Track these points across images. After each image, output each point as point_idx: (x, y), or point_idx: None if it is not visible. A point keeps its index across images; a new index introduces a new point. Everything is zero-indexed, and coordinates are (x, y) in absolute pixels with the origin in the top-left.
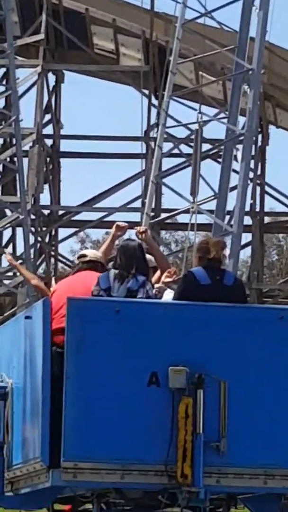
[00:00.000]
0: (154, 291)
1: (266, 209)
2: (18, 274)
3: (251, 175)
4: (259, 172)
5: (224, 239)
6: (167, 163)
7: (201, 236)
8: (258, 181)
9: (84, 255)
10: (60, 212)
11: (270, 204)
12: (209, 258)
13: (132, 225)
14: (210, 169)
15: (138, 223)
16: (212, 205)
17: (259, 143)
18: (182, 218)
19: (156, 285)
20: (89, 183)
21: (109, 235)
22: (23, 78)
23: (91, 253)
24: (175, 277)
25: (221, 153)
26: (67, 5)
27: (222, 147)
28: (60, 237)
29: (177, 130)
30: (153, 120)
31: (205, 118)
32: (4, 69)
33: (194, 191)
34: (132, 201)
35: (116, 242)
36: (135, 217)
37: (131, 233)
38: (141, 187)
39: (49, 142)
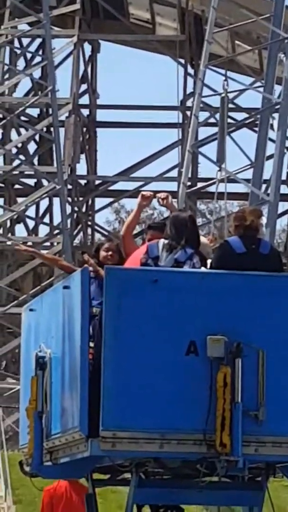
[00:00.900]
0: None
1: None
2: (55, 243)
3: (287, 143)
4: None
5: (261, 208)
6: (204, 133)
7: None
8: None
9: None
10: (97, 182)
11: None
12: (246, 226)
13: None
14: (247, 138)
15: (174, 193)
16: (249, 174)
17: None
18: (219, 188)
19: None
20: (125, 153)
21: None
22: (59, 48)
23: None
24: (213, 244)
25: (257, 122)
26: None
27: (258, 116)
28: (96, 207)
29: (213, 99)
30: (189, 90)
31: (241, 87)
32: (40, 39)
33: (222, 159)
34: (168, 170)
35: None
36: (171, 186)
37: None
38: (178, 156)
39: (85, 112)
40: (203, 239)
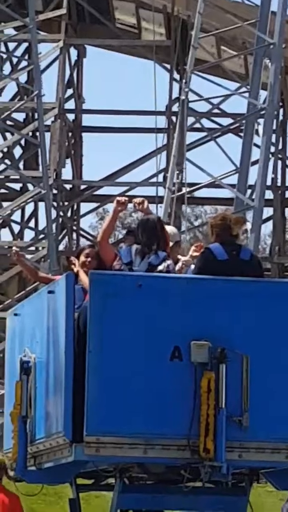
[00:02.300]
0: (181, 264)
1: None
2: (40, 248)
3: (272, 149)
4: (280, 146)
5: (245, 213)
6: (189, 138)
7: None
8: (280, 155)
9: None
10: (82, 187)
11: None
12: (230, 234)
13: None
14: (232, 144)
15: (160, 198)
16: (234, 179)
17: (281, 117)
18: (204, 193)
19: (183, 259)
20: (110, 158)
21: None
22: (45, 53)
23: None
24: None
25: (242, 128)
26: None
27: (244, 121)
28: (82, 211)
29: (199, 104)
30: (174, 95)
31: (226, 92)
32: (26, 44)
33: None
34: (153, 175)
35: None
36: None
37: (152, 207)
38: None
39: (71, 116)
40: (169, 228)
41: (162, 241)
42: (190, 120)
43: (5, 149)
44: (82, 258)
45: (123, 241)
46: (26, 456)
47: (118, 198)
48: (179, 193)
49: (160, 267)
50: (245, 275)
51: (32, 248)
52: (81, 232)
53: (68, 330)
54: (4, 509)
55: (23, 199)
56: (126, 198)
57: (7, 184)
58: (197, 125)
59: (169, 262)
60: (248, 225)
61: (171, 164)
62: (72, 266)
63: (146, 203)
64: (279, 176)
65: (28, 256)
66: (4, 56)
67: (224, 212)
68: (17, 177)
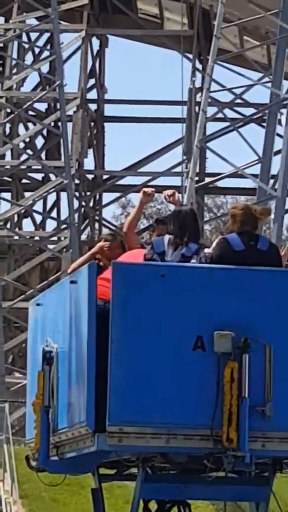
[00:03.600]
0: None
1: None
2: (62, 238)
3: None
4: None
5: (267, 203)
6: (212, 128)
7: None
8: None
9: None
10: (104, 177)
11: None
12: (250, 224)
13: (161, 189)
14: (255, 134)
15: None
16: (257, 169)
17: None
18: (226, 183)
19: (207, 251)
20: (133, 148)
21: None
22: (67, 43)
23: None
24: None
25: (265, 117)
26: None
27: (266, 111)
28: (104, 201)
29: (222, 94)
30: (197, 85)
31: (249, 82)
32: (48, 34)
33: (189, 151)
34: (176, 165)
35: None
36: (179, 181)
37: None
38: (182, 151)
39: (93, 106)
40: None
41: (194, 233)
42: (213, 110)
43: (27, 139)
44: (101, 243)
45: (149, 231)
46: (48, 446)
47: (144, 189)
48: (201, 183)
49: (193, 261)
50: (263, 265)
51: (54, 238)
52: (103, 222)
53: (90, 320)
54: None
55: (45, 189)
56: (153, 189)
57: (29, 174)
58: (220, 115)
59: (202, 254)
60: (271, 215)
61: (193, 154)
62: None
63: (176, 194)
64: None
65: (50, 246)
66: (26, 46)
67: (245, 203)
68: (39, 167)
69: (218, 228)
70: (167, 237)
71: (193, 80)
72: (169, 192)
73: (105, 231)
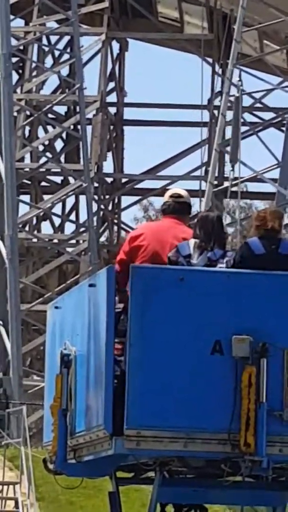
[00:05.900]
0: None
1: None
2: (81, 241)
3: None
4: None
5: (286, 208)
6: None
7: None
8: None
9: (179, 195)
10: (123, 180)
11: None
12: (266, 228)
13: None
14: (274, 138)
15: (202, 191)
16: (276, 173)
17: None
18: (248, 187)
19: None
20: (152, 151)
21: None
22: (87, 46)
23: (186, 195)
24: None
25: (284, 122)
26: None
27: (286, 115)
28: (123, 205)
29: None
30: (216, 89)
31: (269, 86)
32: (68, 37)
33: (235, 158)
34: (195, 169)
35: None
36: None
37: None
38: (202, 155)
39: (112, 110)
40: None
41: (219, 239)
42: (232, 114)
43: (47, 142)
44: None
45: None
46: (66, 449)
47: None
48: (221, 187)
49: (220, 265)
50: (284, 269)
51: (73, 241)
52: (122, 225)
53: (109, 323)
54: None
55: (64, 192)
56: None
57: (48, 177)
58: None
59: (227, 258)
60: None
61: (212, 158)
62: None
63: None
64: None
65: (69, 249)
66: (46, 49)
67: (267, 207)
68: (58, 170)
69: (241, 232)
70: (192, 241)
71: (227, 82)
72: None
73: (123, 234)
